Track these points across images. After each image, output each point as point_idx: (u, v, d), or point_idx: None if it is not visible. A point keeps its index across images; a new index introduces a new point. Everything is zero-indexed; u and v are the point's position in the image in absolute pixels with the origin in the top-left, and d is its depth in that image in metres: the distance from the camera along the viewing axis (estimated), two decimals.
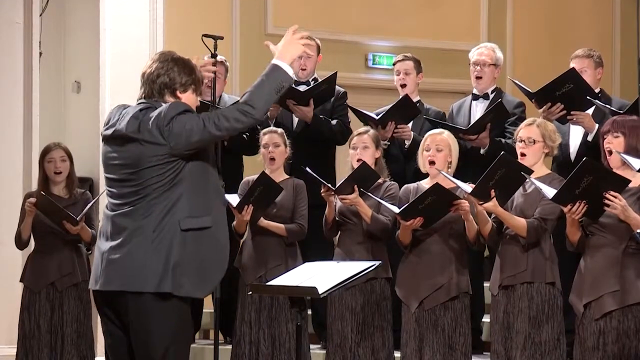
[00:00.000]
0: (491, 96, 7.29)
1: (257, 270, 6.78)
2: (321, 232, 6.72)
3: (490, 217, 5.97)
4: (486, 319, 6.83)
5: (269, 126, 7.18)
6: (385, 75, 10.15)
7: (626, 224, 5.36)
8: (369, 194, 6.41)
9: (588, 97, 6.61)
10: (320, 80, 7.43)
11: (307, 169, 6.53)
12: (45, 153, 7.27)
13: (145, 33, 8.79)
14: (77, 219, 6.99)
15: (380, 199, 6.36)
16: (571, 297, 5.64)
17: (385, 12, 10.56)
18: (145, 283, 4.38)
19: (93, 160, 8.51)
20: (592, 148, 6.56)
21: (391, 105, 7.26)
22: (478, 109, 7.30)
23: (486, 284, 6.52)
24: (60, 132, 9.42)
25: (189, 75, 4.60)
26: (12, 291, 7.89)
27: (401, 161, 7.31)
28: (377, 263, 4.97)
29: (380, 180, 6.51)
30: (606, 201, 5.31)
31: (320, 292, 4.65)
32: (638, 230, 5.28)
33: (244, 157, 7.68)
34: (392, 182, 6.59)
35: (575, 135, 6.92)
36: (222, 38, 7.01)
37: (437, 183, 5.99)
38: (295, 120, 7.56)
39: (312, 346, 7.11)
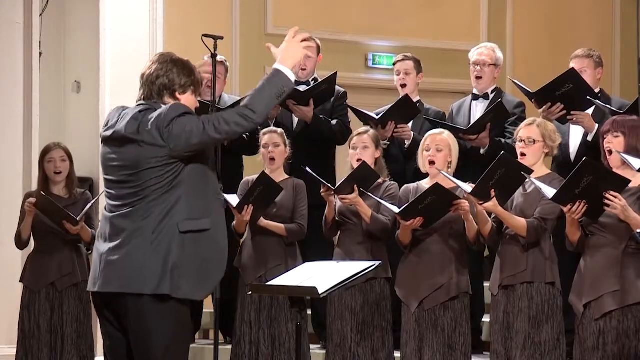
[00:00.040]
0: (491, 96, 7.29)
1: (257, 270, 6.78)
2: (321, 232, 6.72)
3: (490, 217, 5.97)
4: (486, 319, 6.83)
5: (269, 126, 7.18)
6: (385, 75, 10.15)
7: (626, 224, 5.36)
8: (369, 193, 6.41)
9: (588, 97, 6.61)
10: (320, 80, 7.43)
11: (307, 168, 6.53)
12: (45, 153, 7.27)
13: (145, 33, 8.79)
14: (77, 219, 6.99)
15: (380, 198, 6.36)
16: (571, 297, 5.64)
17: (385, 12, 10.56)
18: (143, 285, 4.38)
19: (93, 160, 8.51)
20: (592, 148, 6.56)
21: (391, 105, 7.26)
22: (478, 109, 7.30)
23: (486, 284, 6.52)
24: (60, 132, 9.43)
25: (188, 76, 4.60)
26: (12, 291, 7.89)
27: (401, 161, 7.31)
28: (377, 263, 4.97)
29: (380, 180, 6.51)
30: (606, 201, 5.31)
31: (320, 292, 4.65)
32: (638, 230, 5.28)
33: (244, 157, 7.68)
34: (392, 182, 6.59)
35: (575, 135, 6.92)
36: (222, 38, 7.01)
37: (437, 183, 5.99)
38: (295, 120, 7.56)
39: (312, 346, 7.11)
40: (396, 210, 6.11)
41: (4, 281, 8.13)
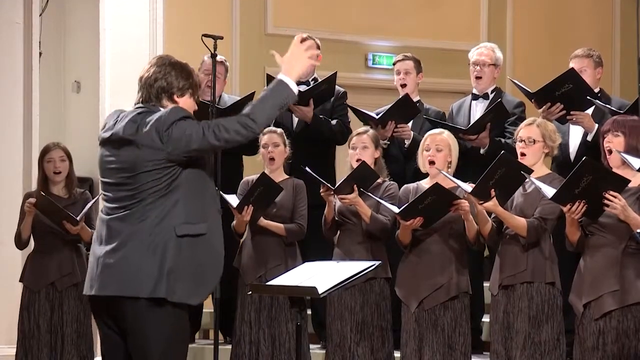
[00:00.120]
0: (491, 96, 7.29)
1: (256, 270, 6.78)
2: (321, 232, 6.72)
3: (490, 216, 5.97)
4: (486, 318, 6.83)
5: (269, 126, 7.17)
6: (385, 75, 10.15)
7: (626, 223, 5.36)
8: (369, 193, 6.41)
9: (588, 97, 6.61)
10: (320, 80, 7.43)
11: (307, 168, 6.53)
12: (44, 153, 7.27)
13: (145, 33, 8.79)
14: (77, 218, 6.99)
15: (380, 198, 6.36)
16: (571, 297, 5.64)
17: (385, 12, 10.57)
18: (140, 288, 4.37)
19: (93, 160, 8.40)
20: (591, 148, 6.56)
21: (391, 104, 7.26)
22: (478, 109, 7.30)
23: (486, 284, 6.51)
24: (60, 132, 9.44)
25: (187, 79, 4.60)
26: (11, 291, 7.89)
27: (401, 161, 7.31)
28: (377, 263, 4.97)
29: (379, 180, 6.51)
30: (606, 201, 5.31)
31: (320, 292, 4.64)
32: (638, 230, 5.28)
33: (243, 157, 7.68)
34: (392, 182, 6.59)
35: (575, 135, 6.92)
36: (222, 38, 7.01)
37: (437, 183, 5.99)
38: (295, 120, 7.56)
39: (311, 346, 7.11)
40: (396, 210, 6.11)
41: (3, 281, 8.13)
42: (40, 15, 8.77)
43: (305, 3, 10.23)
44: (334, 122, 7.52)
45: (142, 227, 4.41)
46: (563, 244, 5.70)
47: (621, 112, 6.37)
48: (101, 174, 4.58)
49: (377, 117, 7.21)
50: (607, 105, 6.70)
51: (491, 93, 7.31)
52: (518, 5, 11.09)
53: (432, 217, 6.06)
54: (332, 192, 6.45)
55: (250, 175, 7.02)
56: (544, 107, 6.68)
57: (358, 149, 6.56)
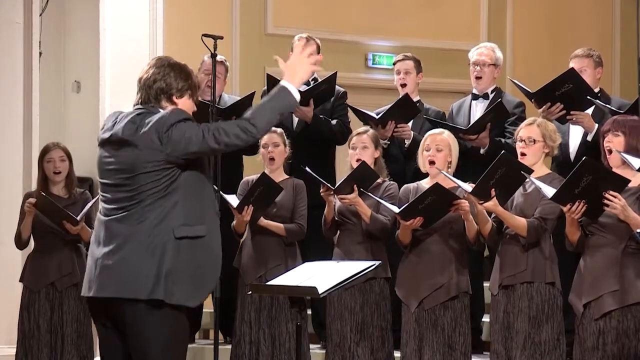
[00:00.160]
0: (491, 96, 7.29)
1: (256, 270, 6.78)
2: (321, 232, 6.72)
3: (490, 216, 5.97)
4: (486, 318, 6.83)
5: (269, 131, 7.16)
6: (385, 75, 10.16)
7: (626, 223, 5.36)
8: (369, 193, 6.41)
9: (588, 97, 6.61)
10: (320, 80, 7.43)
11: (307, 168, 6.53)
12: (44, 153, 7.27)
13: (145, 33, 8.79)
14: (77, 218, 6.99)
15: (380, 198, 6.36)
16: (571, 296, 5.64)
17: (385, 12, 10.57)
18: (138, 290, 4.37)
19: (93, 160, 8.37)
20: (591, 148, 6.56)
21: (391, 104, 7.26)
22: (478, 109, 7.30)
23: (486, 284, 6.51)
24: (60, 132, 9.44)
25: (185, 80, 4.60)
26: (11, 291, 7.89)
27: (401, 161, 7.31)
28: (377, 263, 4.97)
29: (379, 180, 6.51)
30: (606, 201, 5.31)
31: (320, 292, 4.64)
32: (638, 230, 5.28)
33: (243, 157, 7.68)
34: (392, 182, 6.59)
35: (575, 135, 6.92)
36: (222, 38, 7.01)
37: (437, 183, 5.99)
38: (295, 120, 7.56)
39: (311, 346, 7.12)
40: (396, 210, 6.11)
41: (3, 281, 8.13)
42: (40, 15, 8.77)
43: (305, 3, 10.23)
44: (334, 122, 7.52)
45: (140, 228, 4.40)
46: (563, 244, 5.70)
47: (621, 112, 6.37)
48: (100, 175, 4.58)
49: (377, 117, 7.21)
50: (607, 105, 6.70)
51: (491, 93, 7.31)
52: (518, 5, 11.09)
53: (432, 217, 6.06)
54: (332, 192, 6.45)
55: (250, 175, 7.02)
56: (544, 107, 6.68)
57: (358, 149, 6.56)
